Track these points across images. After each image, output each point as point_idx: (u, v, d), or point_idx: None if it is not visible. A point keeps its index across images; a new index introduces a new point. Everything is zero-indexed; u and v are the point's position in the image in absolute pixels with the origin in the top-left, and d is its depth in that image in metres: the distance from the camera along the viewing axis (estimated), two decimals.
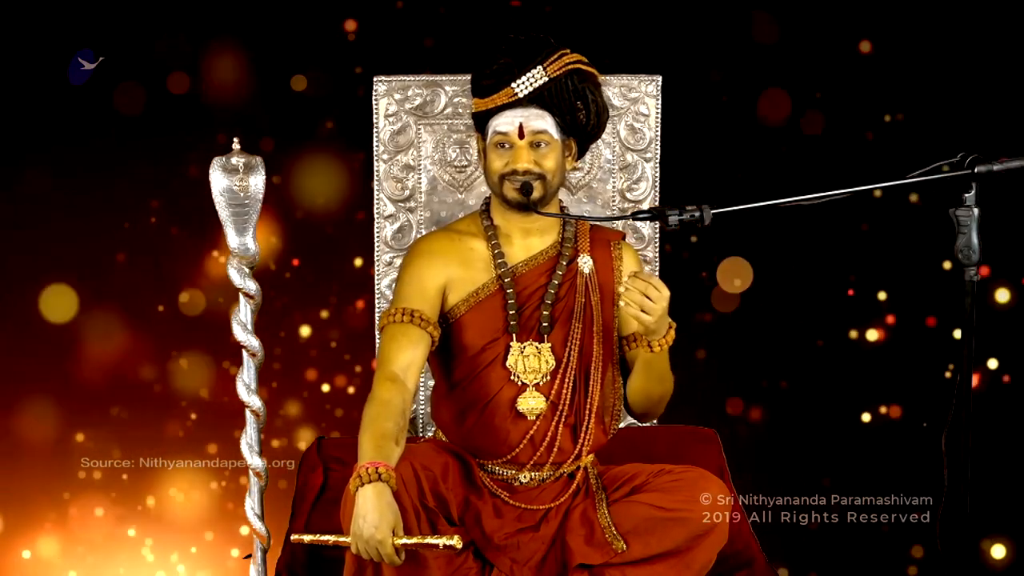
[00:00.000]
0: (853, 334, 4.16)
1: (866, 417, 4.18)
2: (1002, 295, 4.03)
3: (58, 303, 4.01)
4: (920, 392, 4.10)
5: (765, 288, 4.12)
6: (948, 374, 3.99)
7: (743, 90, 4.05)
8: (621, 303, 2.61)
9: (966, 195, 2.43)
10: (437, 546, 2.43)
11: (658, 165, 3.29)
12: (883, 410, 4.16)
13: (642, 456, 2.96)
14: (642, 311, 2.59)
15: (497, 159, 2.78)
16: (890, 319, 4.15)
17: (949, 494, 2.49)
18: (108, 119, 3.96)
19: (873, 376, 4.16)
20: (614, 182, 3.29)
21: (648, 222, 3.27)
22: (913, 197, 4.02)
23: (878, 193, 3.75)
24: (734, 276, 4.08)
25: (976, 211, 2.42)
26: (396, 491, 2.47)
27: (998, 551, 4.08)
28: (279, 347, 4.11)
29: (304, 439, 4.13)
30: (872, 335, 4.15)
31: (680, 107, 3.40)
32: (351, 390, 4.16)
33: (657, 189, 3.29)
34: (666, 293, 2.60)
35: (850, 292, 4.16)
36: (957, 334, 2.50)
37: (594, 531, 2.71)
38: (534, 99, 2.74)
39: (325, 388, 4.18)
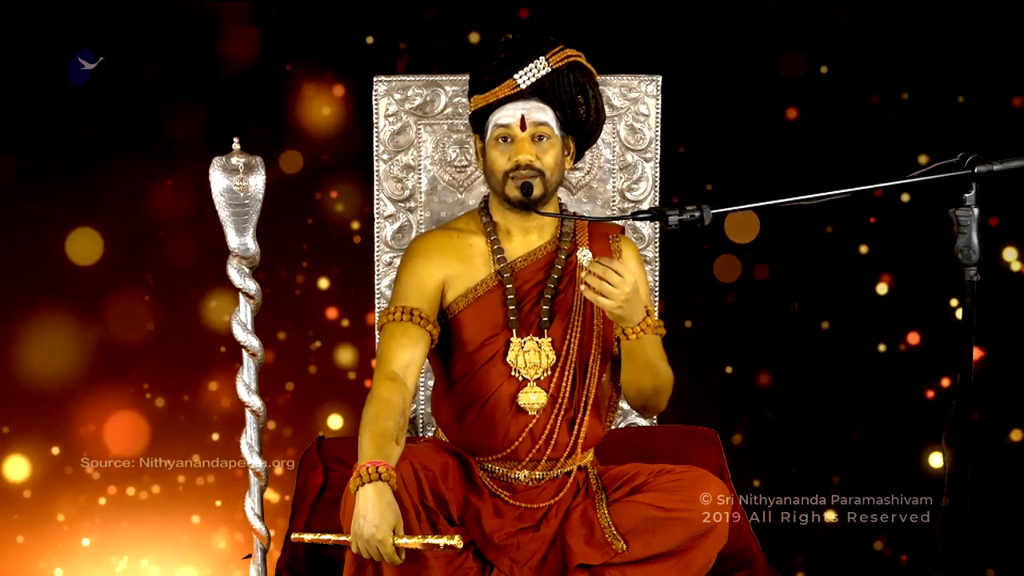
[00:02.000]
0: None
1: (882, 347, 4.17)
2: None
3: (84, 246, 4.03)
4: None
5: (769, 253, 4.12)
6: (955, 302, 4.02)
7: (742, 85, 4.06)
8: (581, 287, 2.61)
9: (966, 195, 2.43)
10: (438, 546, 2.43)
11: (658, 165, 3.29)
12: (903, 345, 4.15)
13: (642, 456, 2.96)
14: (601, 295, 2.59)
15: (499, 155, 2.78)
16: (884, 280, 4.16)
17: (949, 494, 2.49)
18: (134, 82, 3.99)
19: (881, 324, 4.17)
20: (614, 182, 3.29)
21: (648, 222, 3.28)
22: (923, 158, 4.04)
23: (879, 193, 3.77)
24: (742, 228, 4.06)
25: (976, 211, 2.42)
26: (396, 491, 2.47)
27: (1015, 434, 4.13)
28: (277, 346, 4.11)
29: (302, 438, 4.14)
30: (881, 288, 4.16)
31: (680, 107, 3.40)
32: (350, 389, 4.17)
33: (657, 189, 3.29)
34: (629, 279, 2.59)
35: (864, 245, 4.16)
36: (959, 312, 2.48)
37: (594, 531, 2.71)
38: (535, 92, 2.75)
39: (323, 388, 4.19)
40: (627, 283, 2.59)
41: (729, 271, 4.13)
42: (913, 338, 4.17)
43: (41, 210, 4.00)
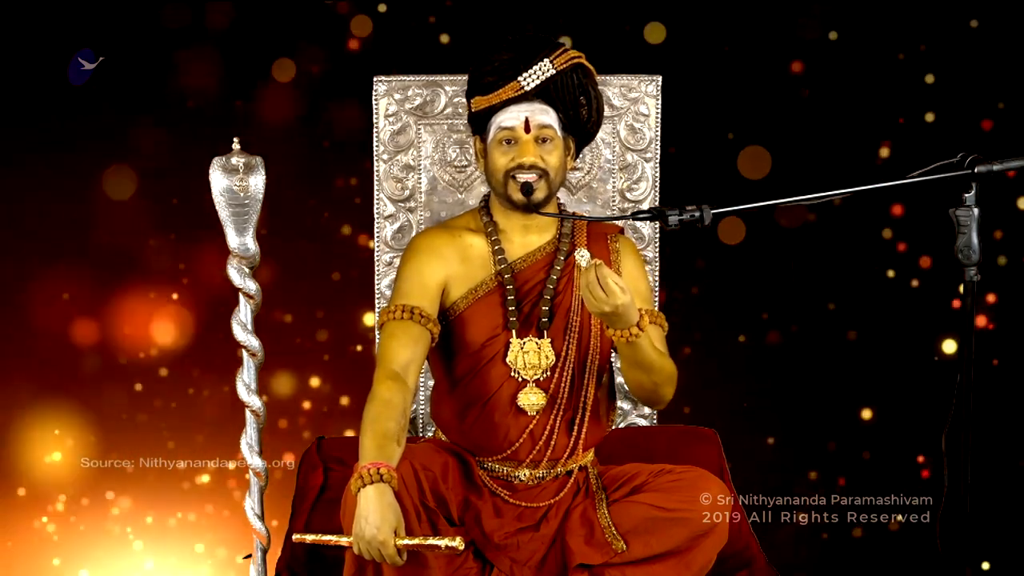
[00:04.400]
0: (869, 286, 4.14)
1: (889, 276, 4.15)
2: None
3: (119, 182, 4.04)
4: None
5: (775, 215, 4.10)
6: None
7: (742, 84, 4.06)
8: (581, 282, 2.54)
9: (966, 195, 2.43)
10: (440, 547, 2.43)
11: (658, 165, 3.29)
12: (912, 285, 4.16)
13: (642, 456, 2.96)
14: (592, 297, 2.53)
15: (501, 156, 2.78)
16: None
17: (949, 494, 2.49)
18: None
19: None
20: (614, 182, 3.29)
21: (648, 222, 3.28)
22: (930, 117, 4.04)
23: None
24: (755, 165, 4.03)
25: (976, 211, 2.42)
26: (397, 491, 2.47)
27: None
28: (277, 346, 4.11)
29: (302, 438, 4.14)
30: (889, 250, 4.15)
31: (680, 107, 3.40)
32: (349, 393, 4.17)
33: (657, 189, 3.29)
34: (615, 301, 2.51)
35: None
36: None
37: (594, 531, 2.71)
38: (539, 94, 2.75)
39: (321, 386, 4.18)
40: (610, 303, 2.51)
41: (734, 233, 4.11)
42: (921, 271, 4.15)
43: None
